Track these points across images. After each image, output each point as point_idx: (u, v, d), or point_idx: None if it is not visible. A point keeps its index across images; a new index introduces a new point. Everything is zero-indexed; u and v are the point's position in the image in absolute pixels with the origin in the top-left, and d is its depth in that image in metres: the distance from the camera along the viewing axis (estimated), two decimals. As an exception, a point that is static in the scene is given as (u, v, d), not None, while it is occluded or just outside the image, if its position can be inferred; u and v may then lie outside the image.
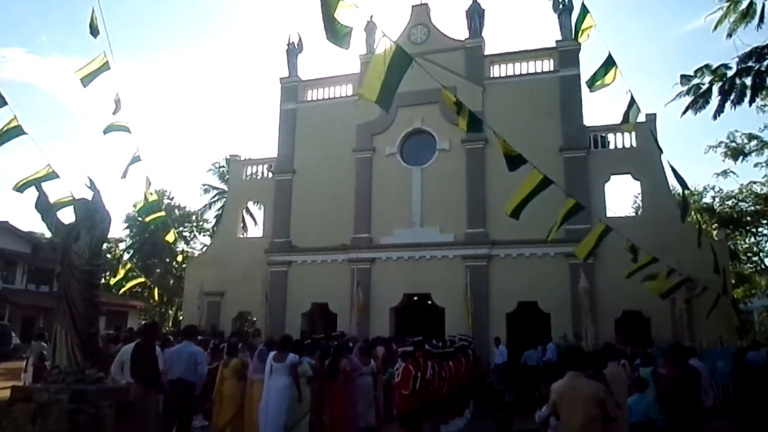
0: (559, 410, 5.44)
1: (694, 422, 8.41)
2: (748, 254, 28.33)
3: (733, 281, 22.91)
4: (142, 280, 20.27)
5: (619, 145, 19.11)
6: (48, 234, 29.82)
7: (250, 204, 30.49)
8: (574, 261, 17.67)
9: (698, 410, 8.55)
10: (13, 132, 9.93)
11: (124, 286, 19.20)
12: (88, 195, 7.02)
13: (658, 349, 14.71)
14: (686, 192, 10.89)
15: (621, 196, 71.87)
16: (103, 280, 13.89)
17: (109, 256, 35.34)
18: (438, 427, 10.73)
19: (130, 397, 7.91)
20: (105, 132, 13.50)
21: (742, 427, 12.45)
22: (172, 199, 46.86)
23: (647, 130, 16.77)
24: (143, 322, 20.38)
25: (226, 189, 31.82)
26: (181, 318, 21.98)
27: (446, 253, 19.53)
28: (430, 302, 20.54)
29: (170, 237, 21.93)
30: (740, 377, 14.87)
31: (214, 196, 43.43)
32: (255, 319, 23.64)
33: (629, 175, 18.95)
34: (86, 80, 10.39)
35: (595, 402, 5.25)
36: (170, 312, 40.76)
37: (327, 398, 10.81)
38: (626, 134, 18.83)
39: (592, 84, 8.65)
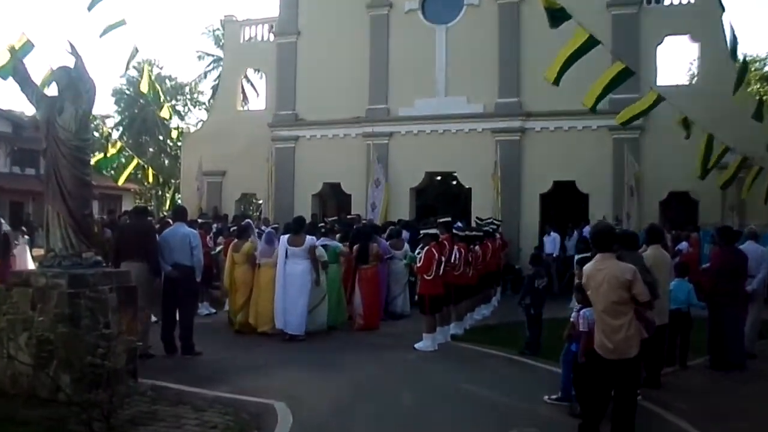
0: (588, 292, 5.63)
1: (736, 310, 8.66)
2: (809, 128, 27.76)
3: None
4: (135, 162, 20.51)
5: (676, 1, 18.27)
6: (30, 111, 29.83)
7: (250, 72, 30.05)
8: (618, 135, 17.47)
9: (741, 297, 8.77)
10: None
11: (111, 166, 19.53)
12: (70, 62, 6.95)
13: (705, 233, 14.88)
14: (740, 60, 10.51)
15: (675, 62, 69.41)
16: (92, 160, 14.10)
17: (96, 134, 35.46)
18: (463, 314, 11.16)
19: (133, 278, 8.25)
20: (101, 35, 13.60)
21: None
22: (161, 68, 46.35)
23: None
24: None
25: (223, 56, 31.30)
26: (179, 200, 22.42)
27: (474, 126, 19.32)
28: (455, 182, 20.68)
29: (165, 113, 21.91)
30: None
31: (210, 64, 42.92)
32: (260, 201, 24.06)
33: (687, 37, 18.24)
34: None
35: (621, 285, 5.33)
36: (167, 194, 41.56)
37: (359, 284, 11.25)
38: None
39: None
